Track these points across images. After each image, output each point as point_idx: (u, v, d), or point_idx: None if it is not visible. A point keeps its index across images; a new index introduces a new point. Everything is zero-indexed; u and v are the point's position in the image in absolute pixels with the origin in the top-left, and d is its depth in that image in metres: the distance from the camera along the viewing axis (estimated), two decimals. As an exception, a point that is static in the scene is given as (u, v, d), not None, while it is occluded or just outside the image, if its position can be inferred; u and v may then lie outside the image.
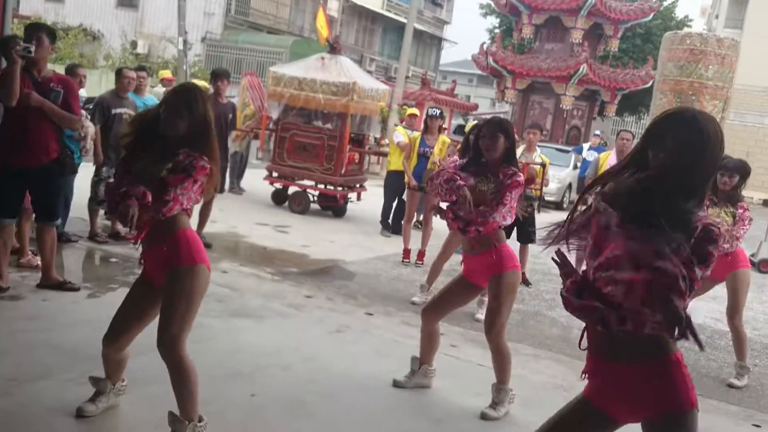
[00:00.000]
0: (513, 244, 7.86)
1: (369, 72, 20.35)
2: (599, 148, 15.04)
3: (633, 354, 2.12)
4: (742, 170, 5.19)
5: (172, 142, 3.11)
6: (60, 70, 6.28)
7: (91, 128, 6.63)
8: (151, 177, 3.02)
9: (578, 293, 2.05)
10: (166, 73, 12.87)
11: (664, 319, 1.96)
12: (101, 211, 7.22)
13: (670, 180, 2.06)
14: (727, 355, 6.11)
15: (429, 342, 4.31)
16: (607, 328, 2.01)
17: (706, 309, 7.23)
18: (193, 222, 7.28)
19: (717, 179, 5.17)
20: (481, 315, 5.62)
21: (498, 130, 3.98)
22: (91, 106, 7.14)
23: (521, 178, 4.02)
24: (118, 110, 6.86)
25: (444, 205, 4.17)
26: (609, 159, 7.92)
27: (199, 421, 3.17)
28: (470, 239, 4.03)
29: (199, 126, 3.12)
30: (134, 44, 25.79)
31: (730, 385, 5.28)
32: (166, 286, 3.10)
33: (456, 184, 3.96)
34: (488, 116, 5.97)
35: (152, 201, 3.00)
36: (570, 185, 16.69)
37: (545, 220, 7.90)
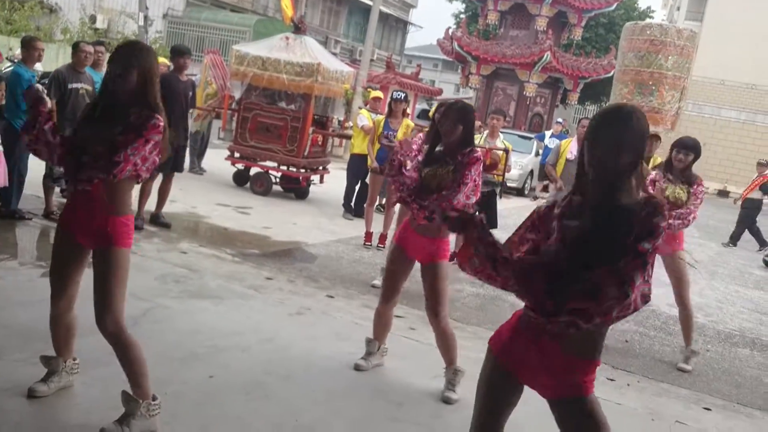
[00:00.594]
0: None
1: (334, 54, 20.20)
2: (561, 136, 15.22)
3: (576, 347, 2.24)
4: (696, 149, 5.30)
5: (122, 100, 3.06)
6: (15, 42, 6.11)
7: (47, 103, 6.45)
8: (103, 140, 2.97)
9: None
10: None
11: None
12: (57, 188, 7.07)
13: (602, 175, 2.20)
14: (680, 341, 6.24)
15: (384, 324, 4.39)
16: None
17: (660, 294, 7.37)
18: (152, 201, 7.21)
19: (672, 156, 5.27)
20: (377, 282, 6.06)
21: (458, 117, 3.96)
22: (47, 81, 6.96)
23: (479, 153, 4.03)
24: (75, 85, 6.69)
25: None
26: (570, 146, 7.99)
27: (153, 399, 3.15)
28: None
29: (147, 80, 3.08)
30: (93, 19, 25.16)
31: (680, 369, 5.41)
32: (100, 264, 3.10)
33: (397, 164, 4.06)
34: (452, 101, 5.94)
35: (104, 162, 2.95)
36: (532, 172, 16.85)
37: (507, 206, 7.97)
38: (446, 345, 4.18)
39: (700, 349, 6.11)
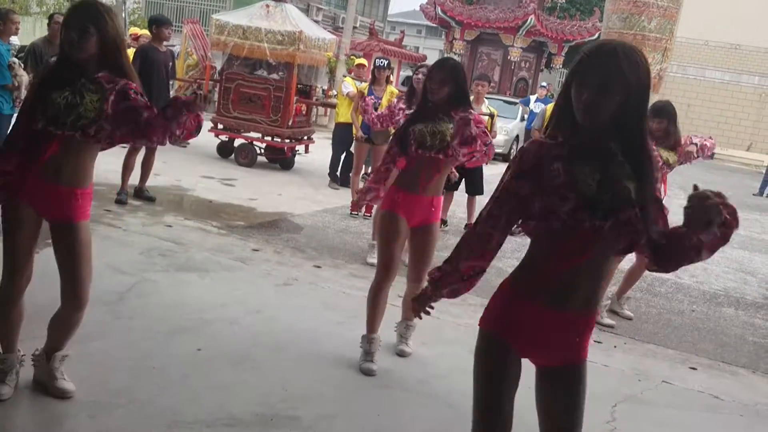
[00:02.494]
0: (461, 195, 7.98)
1: (316, 22, 19.94)
2: (546, 100, 15.16)
3: (583, 304, 2.13)
4: (667, 111, 5.08)
5: (84, 66, 2.89)
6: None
7: (24, 77, 6.34)
8: (76, 109, 2.82)
9: None
10: (136, 30, 12.12)
11: None
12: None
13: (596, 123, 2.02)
14: (666, 302, 6.31)
15: (382, 305, 4.07)
16: None
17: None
18: (135, 175, 7.14)
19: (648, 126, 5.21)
20: (373, 259, 5.63)
21: (447, 73, 3.84)
22: (23, 55, 6.83)
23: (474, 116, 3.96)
24: (53, 58, 6.57)
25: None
26: (555, 110, 7.97)
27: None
28: (420, 180, 3.92)
29: (111, 44, 2.88)
30: (70, -10, 24.70)
31: (625, 318, 5.57)
32: (65, 241, 2.96)
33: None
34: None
35: (88, 135, 2.85)
36: (517, 137, 16.82)
37: (493, 172, 7.97)
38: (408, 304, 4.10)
39: (686, 309, 6.18)
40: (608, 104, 1.98)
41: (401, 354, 4.19)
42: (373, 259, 6.13)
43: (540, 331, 2.15)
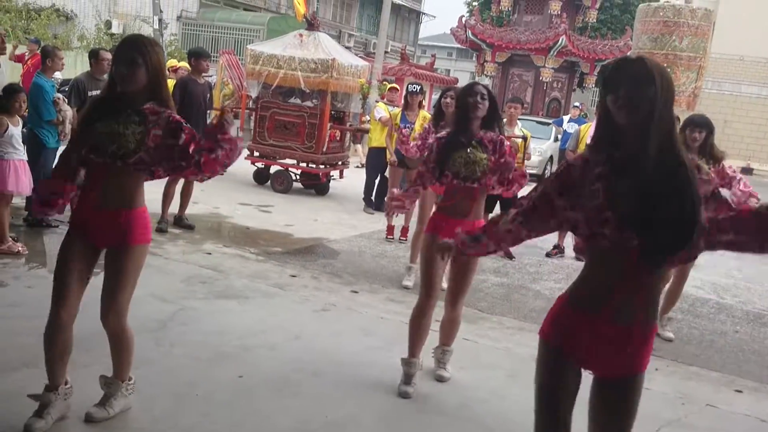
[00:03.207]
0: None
1: (347, 48, 20.17)
2: (579, 120, 15.08)
3: (637, 317, 2.18)
4: (708, 125, 5.19)
5: (132, 98, 3.00)
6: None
7: (69, 112, 6.54)
8: (118, 139, 2.93)
9: None
10: (174, 62, 12.42)
11: None
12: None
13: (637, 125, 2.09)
14: (708, 323, 6.21)
15: (424, 328, 4.08)
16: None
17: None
18: (175, 204, 7.28)
19: (687, 137, 5.20)
20: (409, 281, 6.08)
21: (483, 90, 3.93)
22: (66, 89, 7.04)
23: (505, 141, 4.01)
24: (95, 92, 6.76)
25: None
26: (590, 130, 7.94)
27: (129, 380, 3.28)
28: (458, 207, 3.95)
29: (157, 74, 3.01)
30: (108, 24, 25.34)
31: (666, 339, 5.46)
32: (116, 261, 3.07)
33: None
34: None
35: (128, 164, 2.96)
36: (551, 158, 16.74)
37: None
38: (453, 329, 4.17)
39: (729, 330, 6.07)
40: (645, 95, 2.07)
41: (440, 379, 4.19)
42: (409, 281, 6.18)
43: (595, 343, 2.20)
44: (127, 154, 2.95)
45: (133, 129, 2.97)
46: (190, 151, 2.96)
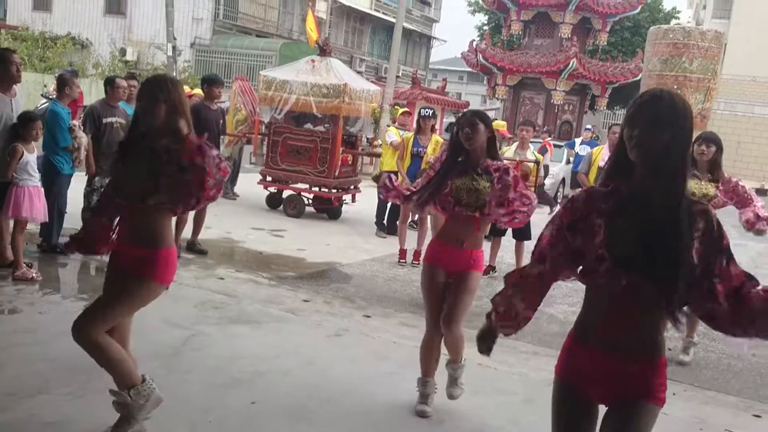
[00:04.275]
0: (509, 240, 7.94)
1: (359, 73, 20.33)
2: (591, 143, 15.07)
3: (633, 348, 2.17)
4: (718, 141, 5.24)
5: (153, 135, 3.14)
6: (50, 79, 6.26)
7: (84, 139, 6.60)
8: (135, 179, 3.08)
9: None
10: (187, 89, 12.53)
11: None
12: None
13: (650, 160, 2.09)
14: (725, 346, 6.13)
15: (433, 354, 4.09)
16: None
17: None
18: (188, 229, 7.31)
19: (695, 150, 5.20)
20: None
21: (476, 118, 3.90)
22: (82, 116, 7.11)
23: (512, 169, 3.99)
24: (110, 119, 6.84)
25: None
26: (602, 153, 7.93)
27: (143, 381, 3.20)
28: (458, 235, 3.93)
29: (175, 111, 3.16)
30: (123, 51, 25.71)
31: (680, 362, 5.39)
32: (122, 282, 3.15)
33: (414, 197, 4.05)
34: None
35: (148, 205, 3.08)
36: (563, 180, 16.71)
37: (542, 216, 7.95)
38: (456, 344, 4.05)
39: (746, 354, 5.99)
40: (658, 139, 2.07)
41: (451, 396, 4.10)
42: None
43: (602, 374, 2.20)
44: (144, 196, 3.07)
45: (149, 167, 3.06)
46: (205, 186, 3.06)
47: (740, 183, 5.36)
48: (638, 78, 20.10)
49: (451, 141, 4.07)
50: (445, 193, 3.91)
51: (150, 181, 3.05)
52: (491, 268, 7.77)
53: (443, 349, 4.09)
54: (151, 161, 3.07)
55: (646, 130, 2.08)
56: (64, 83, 6.66)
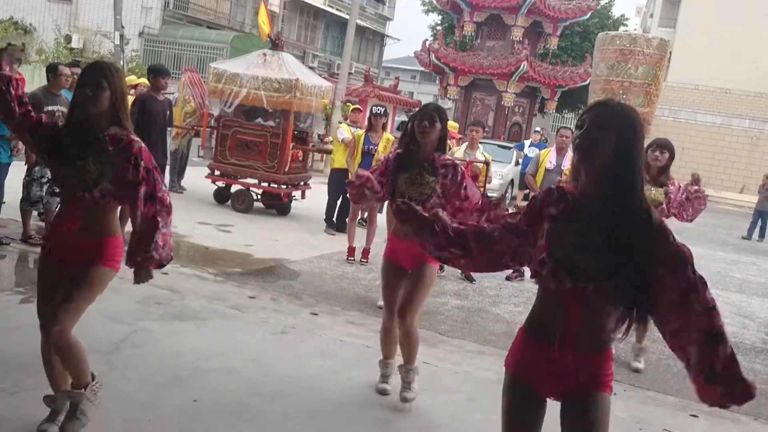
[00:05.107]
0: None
1: (311, 68, 20.20)
2: (540, 145, 15.26)
3: (583, 344, 2.22)
4: (671, 148, 5.31)
5: (95, 122, 3.04)
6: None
7: (22, 126, 6.37)
8: (81, 172, 2.99)
9: None
10: (134, 79, 12.18)
11: None
12: (34, 212, 6.98)
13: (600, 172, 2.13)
14: (664, 347, 6.22)
15: (393, 339, 4.22)
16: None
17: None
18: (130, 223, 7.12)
19: (648, 156, 5.27)
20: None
21: (436, 113, 3.93)
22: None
23: (459, 166, 4.03)
24: (51, 108, 6.61)
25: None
26: (549, 155, 8.03)
27: (93, 378, 3.18)
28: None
29: (119, 98, 3.06)
30: (68, 39, 25.02)
31: (634, 369, 5.47)
32: (78, 277, 3.04)
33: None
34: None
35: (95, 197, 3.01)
36: (512, 181, 16.91)
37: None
38: (410, 344, 4.12)
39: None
40: (603, 142, 2.11)
41: (404, 400, 4.09)
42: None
43: (548, 370, 2.25)
44: (91, 186, 3.00)
45: (95, 158, 2.99)
46: (140, 193, 3.00)
47: (680, 191, 5.41)
48: (587, 83, 20.46)
49: (405, 131, 4.06)
50: (395, 188, 3.98)
51: (96, 171, 2.99)
52: (440, 268, 7.78)
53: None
54: (97, 151, 2.99)
55: (589, 132, 2.13)
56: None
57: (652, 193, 5.23)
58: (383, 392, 4.21)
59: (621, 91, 12.10)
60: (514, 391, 2.34)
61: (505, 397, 2.36)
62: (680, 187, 5.42)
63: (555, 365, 2.23)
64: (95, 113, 3.03)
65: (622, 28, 32.00)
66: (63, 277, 3.09)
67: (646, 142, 5.69)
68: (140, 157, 3.03)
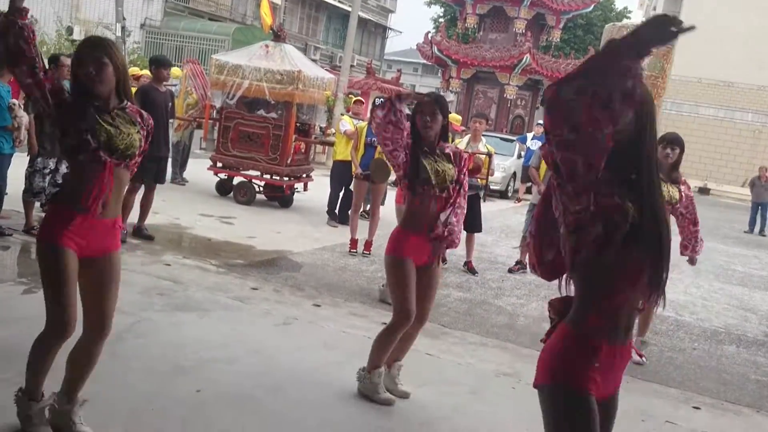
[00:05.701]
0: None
1: (313, 60, 20.15)
2: (542, 137, 15.22)
3: (628, 333, 2.15)
4: (681, 142, 5.20)
5: (106, 101, 2.93)
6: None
7: (24, 118, 6.37)
8: (127, 139, 2.93)
9: None
10: (136, 70, 12.15)
11: None
12: (36, 203, 6.97)
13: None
14: (667, 340, 6.28)
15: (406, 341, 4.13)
16: None
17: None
18: (135, 214, 7.13)
19: (659, 153, 5.21)
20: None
21: (437, 106, 3.92)
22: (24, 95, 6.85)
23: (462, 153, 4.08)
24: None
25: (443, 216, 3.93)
26: (552, 148, 7.99)
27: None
28: (425, 220, 3.93)
29: (123, 72, 2.96)
30: (70, 30, 24.92)
31: (636, 363, 5.34)
32: (105, 270, 2.98)
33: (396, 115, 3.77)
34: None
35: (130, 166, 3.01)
36: (514, 174, 16.89)
37: (490, 209, 8.00)
38: (409, 345, 4.13)
39: (687, 347, 6.14)
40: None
41: (405, 395, 4.10)
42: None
43: (611, 369, 2.13)
44: (133, 156, 2.97)
45: (131, 129, 2.96)
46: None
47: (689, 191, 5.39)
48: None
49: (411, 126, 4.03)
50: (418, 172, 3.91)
51: (138, 140, 2.98)
52: (443, 260, 7.76)
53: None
54: (131, 124, 2.97)
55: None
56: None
57: (669, 190, 5.13)
58: (390, 402, 3.99)
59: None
60: (583, 410, 2.06)
61: (571, 422, 2.08)
62: (691, 196, 5.37)
63: (614, 361, 2.11)
64: (105, 90, 2.90)
65: (625, 21, 31.91)
66: (84, 269, 2.94)
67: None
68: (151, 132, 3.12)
